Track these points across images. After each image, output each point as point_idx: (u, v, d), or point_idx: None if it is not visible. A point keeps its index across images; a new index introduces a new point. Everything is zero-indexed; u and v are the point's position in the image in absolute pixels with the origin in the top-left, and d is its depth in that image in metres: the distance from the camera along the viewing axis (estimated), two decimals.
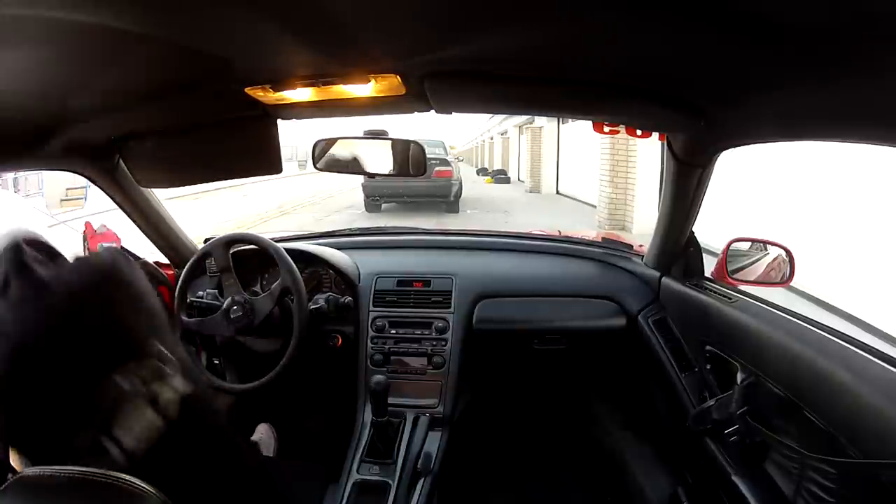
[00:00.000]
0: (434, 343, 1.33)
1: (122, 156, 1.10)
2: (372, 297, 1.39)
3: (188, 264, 1.32)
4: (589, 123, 1.02)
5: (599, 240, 1.67)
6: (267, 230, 6.48)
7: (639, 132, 0.97)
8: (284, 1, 0.47)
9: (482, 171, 20.09)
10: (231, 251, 1.31)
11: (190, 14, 0.49)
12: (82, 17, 0.47)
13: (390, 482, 1.09)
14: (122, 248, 0.66)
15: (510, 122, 17.87)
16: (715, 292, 1.10)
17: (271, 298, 1.24)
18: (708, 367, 1.10)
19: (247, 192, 12.78)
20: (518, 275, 1.47)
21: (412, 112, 0.89)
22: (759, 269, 1.19)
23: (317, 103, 0.84)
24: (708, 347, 1.08)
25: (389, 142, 1.12)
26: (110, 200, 1.25)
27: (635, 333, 1.31)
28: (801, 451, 0.78)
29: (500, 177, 16.25)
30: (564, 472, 1.61)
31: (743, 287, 1.12)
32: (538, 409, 1.76)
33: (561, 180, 12.01)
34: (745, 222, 4.27)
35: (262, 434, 1.49)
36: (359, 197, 8.91)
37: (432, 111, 0.87)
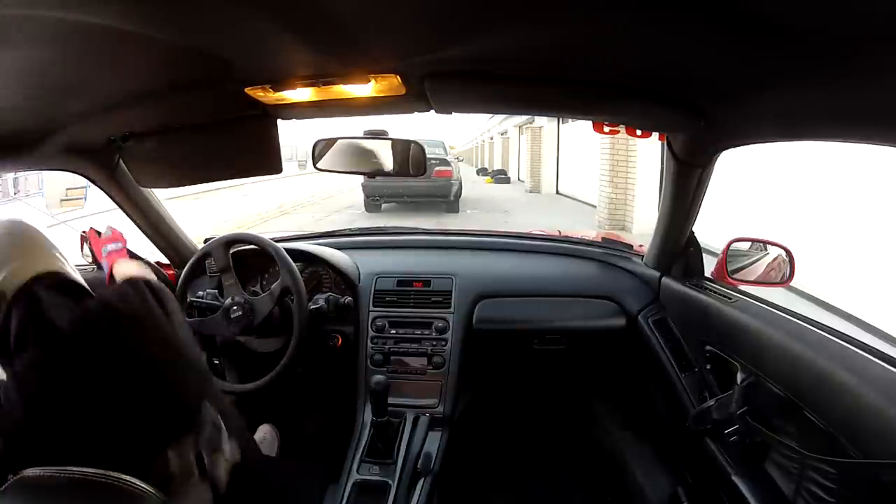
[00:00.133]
0: (434, 343, 1.33)
1: (121, 156, 1.10)
2: (372, 297, 1.39)
3: (188, 264, 1.32)
4: (589, 123, 1.02)
5: (599, 240, 1.67)
6: (267, 230, 6.48)
7: (639, 132, 0.97)
8: (284, 1, 0.47)
9: (482, 171, 20.09)
10: (231, 251, 1.31)
11: (190, 14, 0.49)
12: (82, 17, 0.47)
13: (390, 482, 1.09)
14: (146, 281, 0.66)
15: (510, 122, 17.87)
16: (715, 292, 1.10)
17: (271, 298, 1.24)
18: (708, 367, 1.10)
19: (247, 191, 12.78)
20: (518, 275, 1.47)
21: (412, 112, 0.88)
22: (759, 269, 1.19)
23: (317, 103, 0.84)
24: (708, 347, 1.08)
25: (389, 142, 1.12)
26: (110, 200, 1.25)
27: (635, 333, 1.31)
28: (801, 451, 0.78)
29: (500, 177, 16.25)
30: (564, 472, 1.61)
31: (743, 287, 1.12)
32: (538, 409, 1.76)
33: (561, 180, 12.01)
34: (746, 222, 4.27)
35: (265, 434, 1.49)
36: (359, 197, 8.91)
37: (432, 111, 0.87)
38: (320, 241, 1.58)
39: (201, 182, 1.16)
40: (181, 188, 1.24)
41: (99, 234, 1.21)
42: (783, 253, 1.15)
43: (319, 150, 1.18)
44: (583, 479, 1.57)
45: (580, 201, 9.83)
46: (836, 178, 3.63)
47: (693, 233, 1.17)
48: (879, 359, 0.71)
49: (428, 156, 1.18)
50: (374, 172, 1.19)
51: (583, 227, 6.48)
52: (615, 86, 0.73)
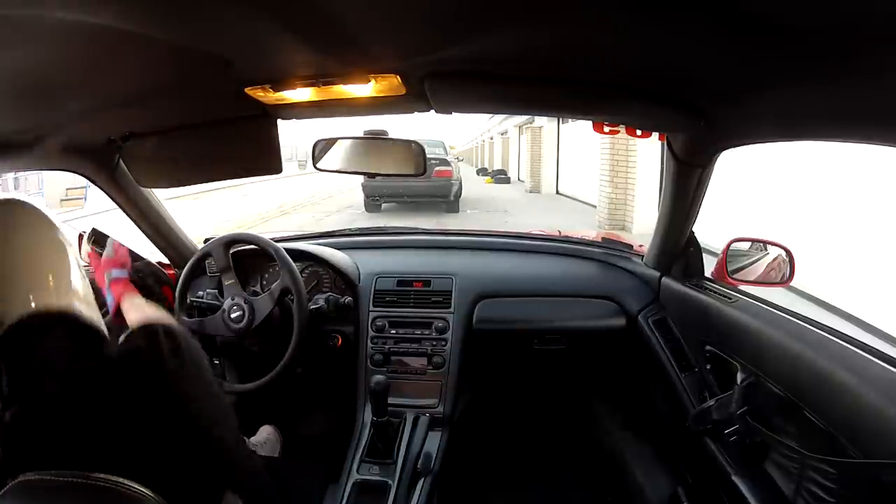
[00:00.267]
0: (434, 343, 1.33)
1: (121, 156, 1.10)
2: (372, 297, 1.39)
3: (188, 264, 1.32)
4: (589, 123, 1.02)
5: (599, 240, 1.67)
6: (267, 230, 6.48)
7: (639, 132, 0.97)
8: (284, 1, 0.47)
9: (482, 171, 20.09)
10: (231, 251, 1.31)
11: (190, 14, 0.49)
12: (82, 17, 0.47)
13: (390, 482, 1.09)
14: (167, 329, 0.60)
15: (510, 122, 17.87)
16: (715, 292, 1.10)
17: (271, 298, 1.24)
18: (708, 367, 1.10)
19: (247, 191, 12.78)
20: (518, 275, 1.47)
21: (412, 112, 0.88)
22: (759, 269, 1.19)
23: (317, 103, 0.84)
24: (708, 347, 1.08)
25: (389, 142, 1.12)
26: (110, 200, 1.25)
27: (635, 333, 1.31)
28: (801, 451, 0.78)
29: (500, 177, 16.25)
30: (564, 472, 1.61)
31: (743, 287, 1.12)
32: (538, 410, 1.76)
33: (561, 180, 12.01)
34: (746, 222, 4.27)
35: (268, 435, 1.49)
36: (359, 197, 8.91)
37: (432, 111, 0.87)
38: (320, 241, 1.58)
39: (201, 182, 1.16)
40: (181, 188, 1.23)
41: (100, 250, 1.12)
42: (783, 253, 1.15)
43: (319, 150, 1.18)
44: (583, 479, 1.57)
45: (580, 201, 9.83)
46: (836, 178, 3.63)
47: (693, 233, 1.17)
48: (879, 359, 0.71)
49: (428, 156, 1.17)
50: (374, 172, 1.19)
51: (583, 227, 6.48)
52: (615, 86, 0.73)
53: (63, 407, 0.51)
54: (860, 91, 0.54)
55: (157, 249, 1.42)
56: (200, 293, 1.35)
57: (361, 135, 1.14)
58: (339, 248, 1.50)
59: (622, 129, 0.98)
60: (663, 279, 1.29)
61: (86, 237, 1.27)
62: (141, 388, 0.54)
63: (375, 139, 1.13)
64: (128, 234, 1.36)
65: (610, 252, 1.51)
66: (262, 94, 0.78)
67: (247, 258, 1.39)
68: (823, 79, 0.55)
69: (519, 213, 8.85)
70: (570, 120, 9.44)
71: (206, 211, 9.15)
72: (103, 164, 1.13)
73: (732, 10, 0.44)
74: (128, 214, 1.29)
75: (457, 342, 1.33)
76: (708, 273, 1.20)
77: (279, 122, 0.96)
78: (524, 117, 13.41)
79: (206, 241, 1.40)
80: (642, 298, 1.33)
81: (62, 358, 0.53)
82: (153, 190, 1.30)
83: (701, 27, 0.49)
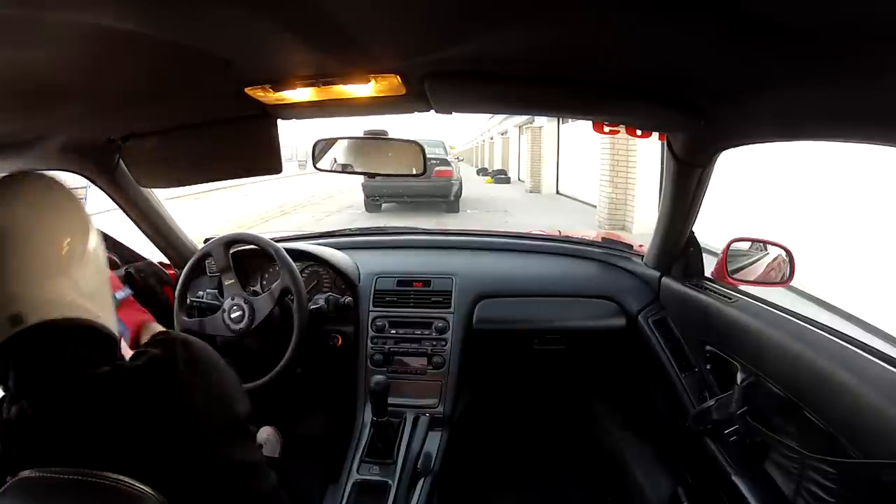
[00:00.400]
0: (434, 343, 1.33)
1: (121, 156, 1.10)
2: (372, 297, 1.39)
3: (188, 264, 1.32)
4: (589, 123, 1.02)
5: (599, 240, 1.67)
6: (267, 230, 6.48)
7: (639, 132, 0.97)
8: (284, 1, 0.47)
9: (482, 171, 20.09)
10: (231, 251, 1.31)
11: (190, 14, 0.49)
12: (82, 17, 0.47)
13: (390, 482, 1.09)
14: (185, 338, 0.62)
15: (510, 122, 17.87)
16: (715, 292, 1.10)
17: (271, 298, 1.24)
18: (708, 367, 1.10)
19: (247, 191, 12.79)
20: (518, 275, 1.47)
21: (412, 112, 0.88)
22: (759, 269, 1.19)
23: (317, 103, 0.84)
24: (708, 347, 1.08)
25: (389, 142, 1.12)
26: (110, 200, 1.25)
27: (635, 333, 1.31)
28: (801, 451, 0.78)
29: (500, 177, 16.25)
30: (564, 472, 1.61)
31: (743, 287, 1.12)
32: (538, 409, 1.76)
33: (561, 180, 12.01)
34: (746, 222, 4.27)
35: (268, 436, 1.50)
36: (359, 197, 8.91)
37: (432, 111, 0.87)
38: (320, 241, 1.58)
39: (201, 182, 1.16)
40: (181, 188, 1.23)
41: None
42: (783, 253, 1.15)
43: (319, 150, 1.18)
44: (583, 479, 1.57)
45: (580, 201, 9.84)
46: (836, 178, 3.63)
47: (693, 233, 1.17)
48: (879, 359, 0.71)
49: (428, 156, 1.18)
50: (374, 172, 1.19)
51: (583, 227, 6.48)
52: (615, 86, 0.73)
53: (69, 407, 0.51)
54: (860, 91, 0.54)
55: (157, 249, 1.42)
56: (200, 293, 1.35)
57: (361, 135, 1.14)
58: (339, 248, 1.50)
59: (622, 129, 0.98)
60: (663, 279, 1.29)
61: None
62: (149, 393, 0.54)
63: (375, 139, 1.13)
64: (128, 235, 1.36)
65: (610, 252, 1.51)
66: (262, 94, 0.77)
67: (247, 258, 1.39)
68: (823, 79, 0.55)
69: (519, 213, 8.85)
70: (570, 120, 9.44)
71: (206, 211, 9.15)
72: (103, 164, 1.13)
73: (732, 10, 0.44)
74: (128, 214, 1.29)
75: (457, 342, 1.33)
76: (708, 273, 1.20)
77: (279, 122, 0.96)
78: (524, 117, 13.42)
79: (206, 241, 1.40)
80: (642, 298, 1.33)
81: (74, 362, 0.53)
82: (153, 190, 1.30)
83: (701, 27, 0.49)
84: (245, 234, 1.34)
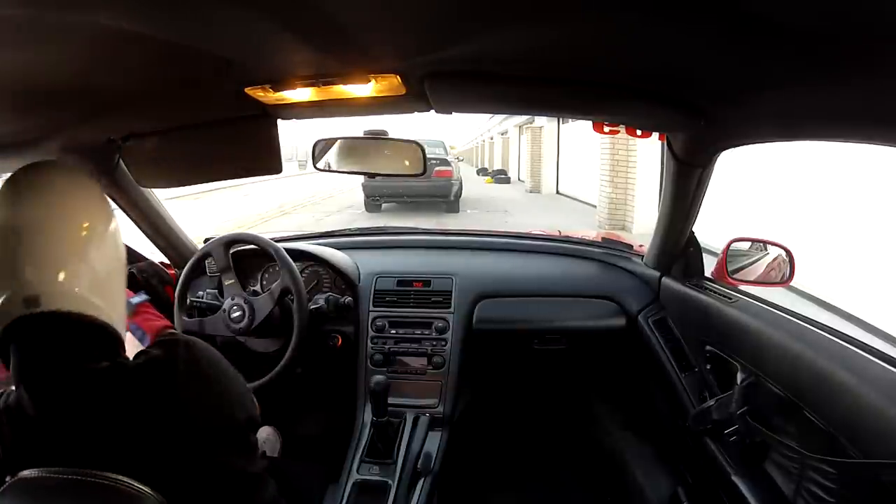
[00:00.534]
0: (434, 343, 1.33)
1: (121, 156, 1.10)
2: (372, 297, 1.39)
3: (188, 264, 1.32)
4: (589, 123, 1.02)
5: (599, 240, 1.67)
6: (267, 230, 6.48)
7: (639, 132, 0.97)
8: (284, 1, 0.47)
9: (482, 171, 20.09)
10: (231, 251, 1.31)
11: (190, 14, 0.49)
12: (82, 17, 0.47)
13: (390, 482, 1.09)
14: (189, 339, 0.62)
15: (510, 122, 17.87)
16: (715, 292, 1.10)
17: (271, 298, 1.24)
18: (708, 367, 1.10)
19: (247, 191, 12.79)
20: (518, 275, 1.47)
21: (412, 112, 0.88)
22: (759, 269, 1.19)
23: (317, 103, 0.84)
24: (708, 347, 1.08)
25: (390, 142, 1.12)
26: (110, 201, 1.25)
27: (635, 333, 1.31)
28: (801, 451, 0.78)
29: (500, 177, 16.25)
30: (564, 472, 1.61)
31: (743, 287, 1.12)
32: (538, 409, 1.76)
33: (561, 180, 12.01)
34: (746, 222, 4.27)
35: (267, 436, 1.50)
36: (359, 197, 8.91)
37: (432, 111, 0.87)
38: (320, 241, 1.58)
39: (201, 182, 1.16)
40: (181, 188, 1.23)
41: None
42: (783, 253, 1.15)
43: (319, 150, 1.18)
44: (583, 479, 1.57)
45: (580, 201, 9.84)
46: (836, 178, 3.63)
47: (693, 233, 1.17)
48: (879, 359, 0.71)
49: (428, 156, 1.17)
50: (375, 172, 1.19)
51: (583, 227, 6.48)
52: (615, 86, 0.73)
53: (67, 401, 0.51)
54: (860, 91, 0.54)
55: (157, 249, 1.42)
56: (200, 293, 1.35)
57: (361, 135, 1.14)
58: (339, 248, 1.50)
59: (622, 129, 0.98)
60: (663, 279, 1.29)
61: None
62: (147, 392, 0.54)
63: (375, 139, 1.13)
64: (128, 235, 1.36)
65: (610, 252, 1.51)
66: (262, 94, 0.78)
67: (247, 258, 1.39)
68: (823, 79, 0.55)
69: (519, 213, 8.85)
70: (570, 120, 9.45)
71: (206, 211, 9.15)
72: (103, 164, 1.13)
73: (732, 10, 0.44)
74: (128, 214, 1.29)
75: (457, 342, 1.33)
76: (708, 273, 1.20)
77: (279, 122, 0.96)
78: (524, 117, 13.42)
79: (206, 241, 1.40)
80: (642, 298, 1.33)
81: (76, 355, 0.53)
82: (153, 190, 1.30)
83: (701, 27, 0.49)
84: (245, 234, 1.34)
